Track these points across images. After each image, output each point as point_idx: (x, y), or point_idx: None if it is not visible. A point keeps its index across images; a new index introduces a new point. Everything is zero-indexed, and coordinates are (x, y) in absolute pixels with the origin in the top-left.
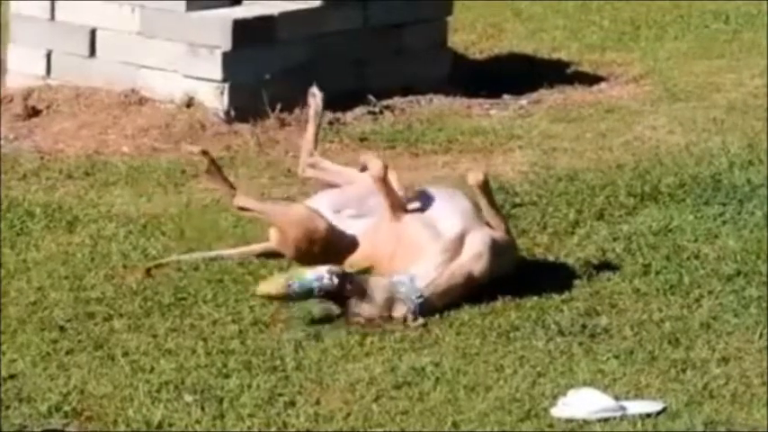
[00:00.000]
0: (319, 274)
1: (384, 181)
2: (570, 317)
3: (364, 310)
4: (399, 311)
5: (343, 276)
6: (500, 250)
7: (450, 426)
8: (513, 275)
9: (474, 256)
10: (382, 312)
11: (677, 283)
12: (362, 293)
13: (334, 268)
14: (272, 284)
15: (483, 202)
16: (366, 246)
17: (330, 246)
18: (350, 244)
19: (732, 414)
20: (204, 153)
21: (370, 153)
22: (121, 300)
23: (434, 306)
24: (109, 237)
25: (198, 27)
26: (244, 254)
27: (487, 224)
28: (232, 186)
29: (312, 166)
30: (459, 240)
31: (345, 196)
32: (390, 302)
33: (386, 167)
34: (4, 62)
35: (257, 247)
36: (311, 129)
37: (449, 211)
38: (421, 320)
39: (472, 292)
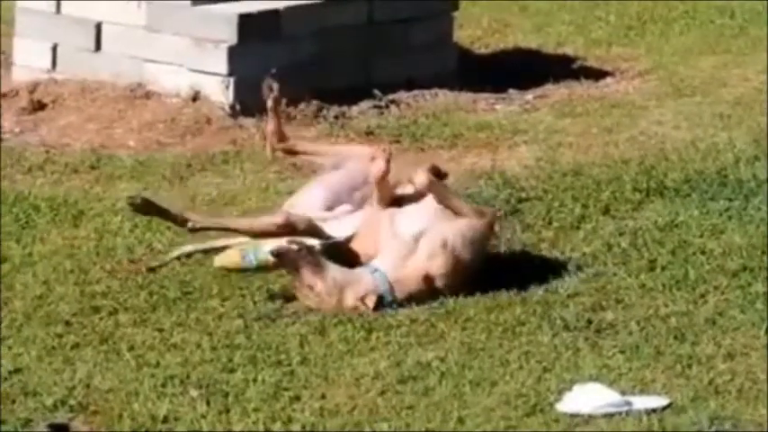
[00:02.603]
0: (278, 244)
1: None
2: (576, 312)
3: (316, 284)
4: (350, 300)
5: (305, 247)
6: (460, 246)
7: (456, 420)
8: (519, 270)
9: (428, 256)
10: (331, 294)
11: (683, 278)
12: (318, 268)
13: (297, 239)
14: (229, 257)
15: (439, 200)
16: (358, 241)
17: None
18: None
19: (738, 409)
20: (132, 198)
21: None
22: (127, 294)
23: (394, 300)
24: (114, 231)
25: (204, 21)
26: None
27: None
28: (177, 217)
29: (288, 150)
30: (415, 240)
31: (338, 187)
32: (342, 289)
33: (431, 177)
34: (9, 56)
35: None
36: (272, 122)
37: (411, 211)
38: (373, 301)
39: (439, 289)
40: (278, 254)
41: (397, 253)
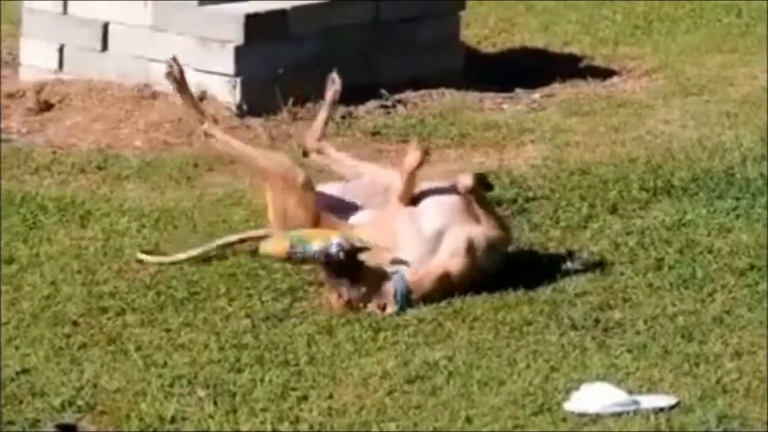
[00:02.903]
0: (327, 244)
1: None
2: (583, 311)
3: (351, 294)
4: (371, 307)
5: (349, 254)
6: (481, 249)
7: (463, 420)
8: (527, 269)
9: (450, 254)
10: (357, 302)
11: (690, 277)
12: (356, 283)
13: (344, 242)
14: (276, 245)
15: (474, 204)
16: (367, 229)
17: (308, 206)
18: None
19: (745, 408)
20: (175, 61)
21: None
22: (134, 294)
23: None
24: (122, 231)
25: (210, 21)
26: (243, 239)
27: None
28: (201, 111)
29: (319, 151)
30: (437, 238)
31: (353, 191)
32: (373, 294)
33: (476, 182)
34: (16, 56)
35: (258, 233)
36: (324, 114)
37: (433, 207)
38: (392, 310)
39: (452, 288)
40: (327, 261)
41: (419, 250)
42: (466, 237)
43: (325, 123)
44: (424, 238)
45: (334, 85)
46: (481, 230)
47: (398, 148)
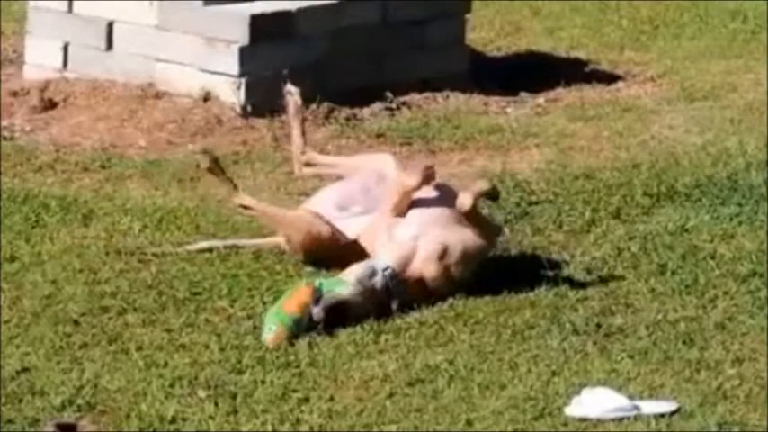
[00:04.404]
0: (366, 272)
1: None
2: (585, 316)
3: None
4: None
5: (393, 277)
6: (455, 259)
7: (464, 423)
8: (529, 273)
9: (423, 260)
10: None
11: (693, 283)
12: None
13: (385, 267)
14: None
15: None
16: (366, 238)
17: (335, 248)
18: (352, 244)
19: (746, 415)
20: (206, 152)
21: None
22: (136, 294)
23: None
24: (124, 230)
25: (215, 21)
26: (258, 246)
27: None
28: (234, 185)
29: (308, 163)
30: (412, 243)
31: (350, 190)
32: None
33: (475, 204)
34: (21, 55)
35: (271, 241)
36: (296, 128)
37: (415, 216)
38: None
39: (428, 294)
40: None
41: (396, 254)
42: (441, 242)
43: (302, 135)
44: (400, 243)
45: (292, 96)
46: (460, 237)
47: (402, 152)
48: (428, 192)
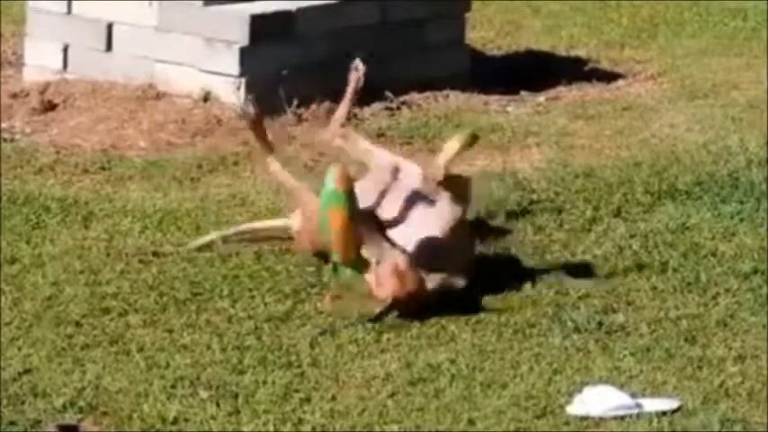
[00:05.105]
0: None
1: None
2: (587, 314)
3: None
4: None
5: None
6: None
7: (466, 422)
8: (530, 272)
9: (399, 252)
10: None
11: (694, 280)
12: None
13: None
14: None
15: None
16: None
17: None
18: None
19: (748, 412)
20: (253, 107)
21: None
22: (137, 295)
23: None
24: (125, 232)
25: (215, 22)
26: (267, 228)
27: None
28: (270, 148)
29: (343, 137)
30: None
31: (365, 185)
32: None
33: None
34: (20, 56)
35: (280, 224)
36: (347, 101)
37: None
38: None
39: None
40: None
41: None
42: (416, 239)
43: (348, 110)
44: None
45: (357, 72)
46: (425, 228)
47: (402, 151)
48: (393, 184)
